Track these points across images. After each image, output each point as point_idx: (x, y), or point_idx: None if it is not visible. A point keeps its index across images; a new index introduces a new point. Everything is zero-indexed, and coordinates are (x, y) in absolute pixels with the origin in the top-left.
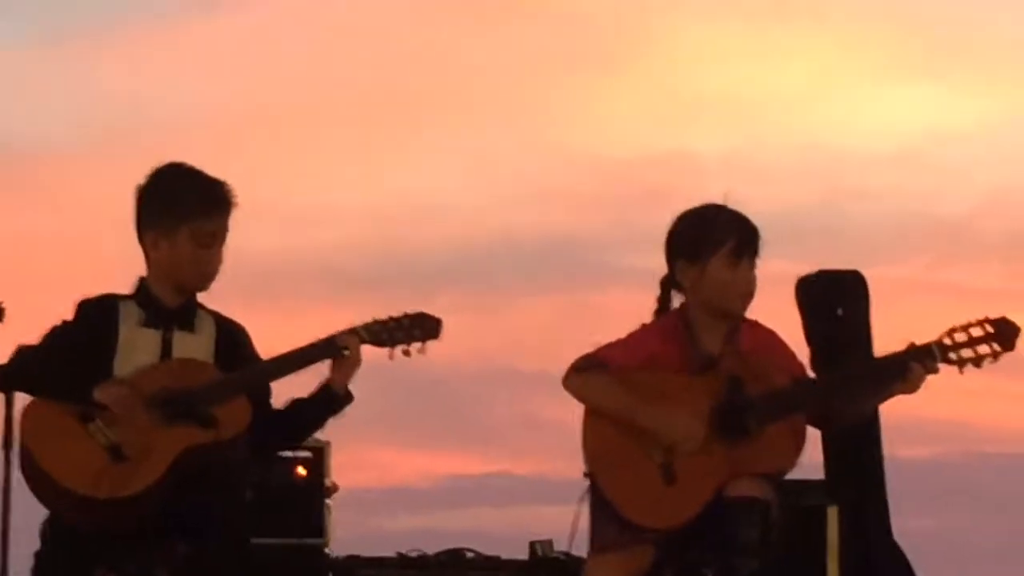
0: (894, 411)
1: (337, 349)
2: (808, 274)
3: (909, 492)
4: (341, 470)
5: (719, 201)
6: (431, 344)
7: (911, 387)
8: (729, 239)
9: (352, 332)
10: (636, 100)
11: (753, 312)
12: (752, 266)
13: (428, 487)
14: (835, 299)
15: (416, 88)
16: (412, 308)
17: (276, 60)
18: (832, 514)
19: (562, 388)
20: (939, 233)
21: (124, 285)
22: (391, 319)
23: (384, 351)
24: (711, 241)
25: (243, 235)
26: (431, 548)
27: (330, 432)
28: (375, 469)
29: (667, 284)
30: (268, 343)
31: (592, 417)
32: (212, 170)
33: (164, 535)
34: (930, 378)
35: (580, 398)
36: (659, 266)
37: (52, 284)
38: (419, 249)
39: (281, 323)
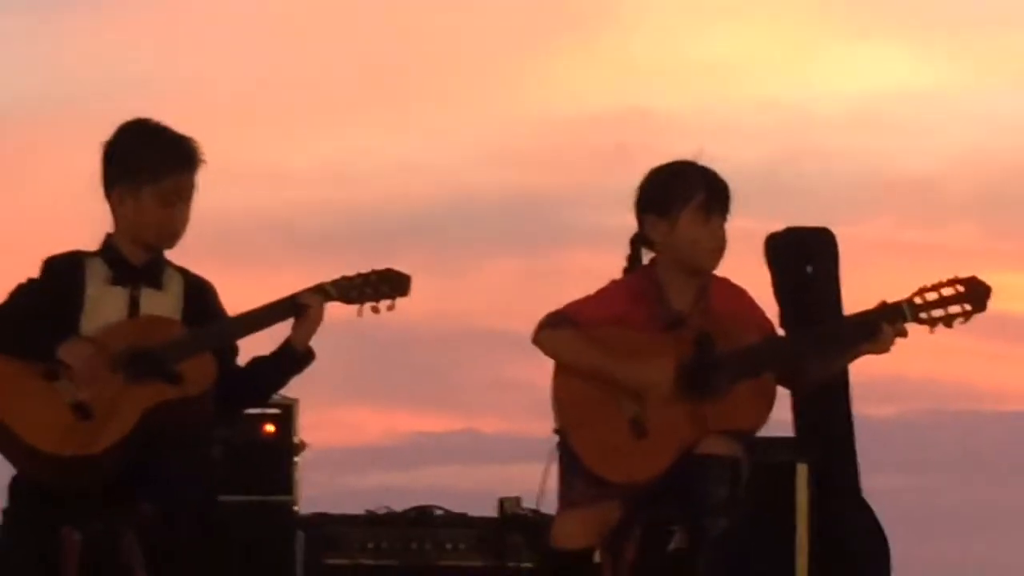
0: (863, 369)
1: (301, 307)
2: (777, 231)
3: (877, 450)
4: (310, 429)
5: (690, 157)
6: (400, 301)
7: (881, 347)
8: (699, 193)
9: (317, 290)
10: (595, 61)
11: (720, 270)
12: (723, 221)
13: (396, 445)
14: (804, 256)
15: (377, 52)
16: (380, 265)
17: (242, 23)
18: (801, 471)
19: (527, 346)
20: (906, 192)
21: (93, 244)
22: (359, 276)
23: (353, 309)
24: (682, 195)
25: (211, 193)
26: (400, 506)
27: (299, 390)
28: (344, 428)
29: (637, 241)
30: (235, 302)
31: (561, 373)
32: (179, 128)
33: (130, 494)
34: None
35: (550, 354)
36: (620, 225)
37: (22, 246)
38: (381, 210)
39: (248, 282)
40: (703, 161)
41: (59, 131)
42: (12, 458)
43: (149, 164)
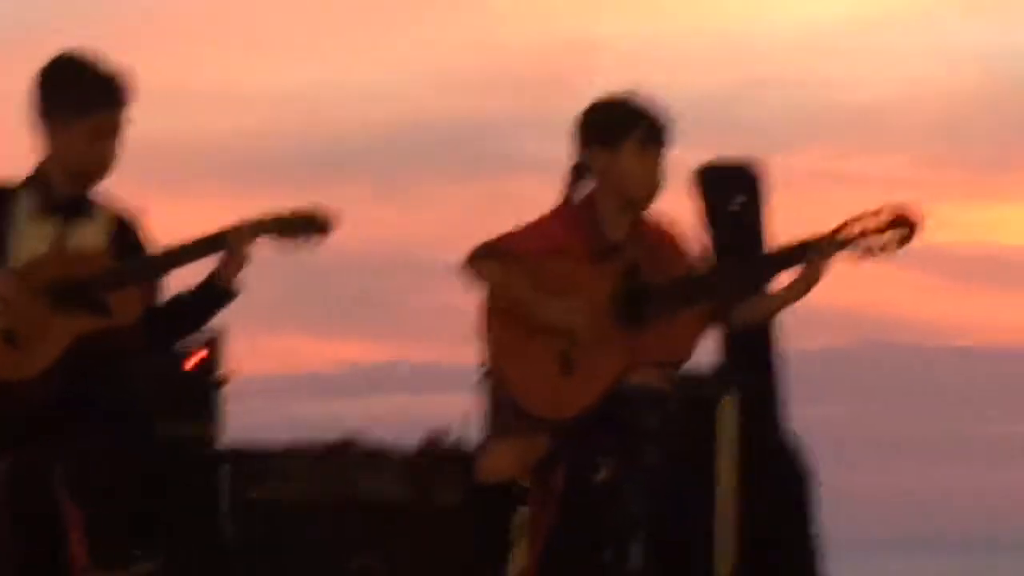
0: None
1: (226, 244)
2: (705, 163)
3: (805, 381)
4: (242, 356)
5: (633, 89)
6: (323, 240)
7: (809, 278)
8: (640, 126)
9: (242, 227)
10: None
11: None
12: (663, 155)
13: (329, 373)
14: (733, 187)
15: None
16: (305, 203)
17: None
18: (727, 404)
19: (457, 276)
20: (848, 122)
21: (21, 175)
22: (282, 214)
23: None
24: (623, 127)
25: (145, 120)
26: (329, 436)
27: (231, 319)
28: (277, 355)
29: (576, 171)
30: (177, 234)
31: (491, 304)
32: (115, 57)
33: (59, 424)
34: (832, 268)
35: (479, 285)
36: (564, 154)
37: None
38: (329, 136)
39: (183, 211)
40: (645, 94)
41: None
42: None
43: (79, 99)
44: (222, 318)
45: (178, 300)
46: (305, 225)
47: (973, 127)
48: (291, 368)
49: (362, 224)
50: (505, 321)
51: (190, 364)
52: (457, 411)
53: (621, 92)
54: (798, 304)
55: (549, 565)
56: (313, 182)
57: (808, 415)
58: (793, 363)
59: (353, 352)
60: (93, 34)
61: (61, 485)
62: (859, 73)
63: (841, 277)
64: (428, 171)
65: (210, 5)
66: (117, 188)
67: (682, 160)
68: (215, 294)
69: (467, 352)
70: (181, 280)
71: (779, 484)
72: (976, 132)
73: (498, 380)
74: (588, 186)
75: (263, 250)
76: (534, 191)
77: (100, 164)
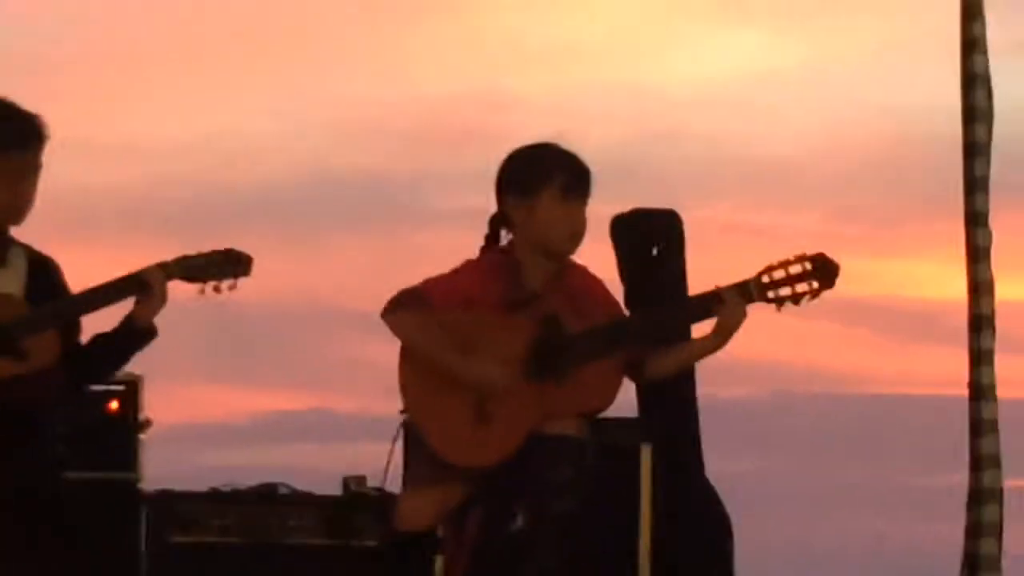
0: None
1: (143, 284)
2: (623, 212)
3: (723, 432)
4: (157, 407)
5: (552, 139)
6: (242, 281)
7: (729, 323)
8: (560, 175)
9: (159, 268)
10: (449, 42)
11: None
12: (583, 205)
13: (246, 424)
14: (650, 238)
15: (235, 25)
16: (222, 244)
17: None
18: (645, 453)
19: (381, 326)
20: (756, 175)
21: None
22: (200, 255)
23: (195, 288)
24: (542, 177)
25: (56, 170)
26: (248, 483)
27: (146, 368)
28: (191, 406)
29: (496, 221)
30: (80, 281)
31: (408, 354)
32: (25, 103)
33: None
34: (751, 319)
35: (396, 335)
36: (475, 206)
37: None
38: (234, 187)
39: (99, 260)
40: (565, 144)
41: None
42: None
43: None
44: (139, 366)
45: (97, 341)
46: (221, 265)
47: (883, 182)
48: (205, 418)
49: (269, 274)
50: (421, 370)
51: (111, 408)
52: (378, 460)
53: (539, 142)
54: (720, 354)
55: None
56: (219, 231)
57: (728, 467)
58: (713, 413)
59: (268, 402)
60: None
61: None
62: (766, 128)
63: (761, 328)
64: (333, 222)
65: (111, 56)
66: (25, 235)
67: (598, 210)
68: (134, 334)
69: (387, 400)
70: (97, 323)
71: (698, 531)
72: (886, 187)
73: (415, 429)
74: (507, 236)
75: (174, 298)
76: (445, 243)
77: (17, 206)
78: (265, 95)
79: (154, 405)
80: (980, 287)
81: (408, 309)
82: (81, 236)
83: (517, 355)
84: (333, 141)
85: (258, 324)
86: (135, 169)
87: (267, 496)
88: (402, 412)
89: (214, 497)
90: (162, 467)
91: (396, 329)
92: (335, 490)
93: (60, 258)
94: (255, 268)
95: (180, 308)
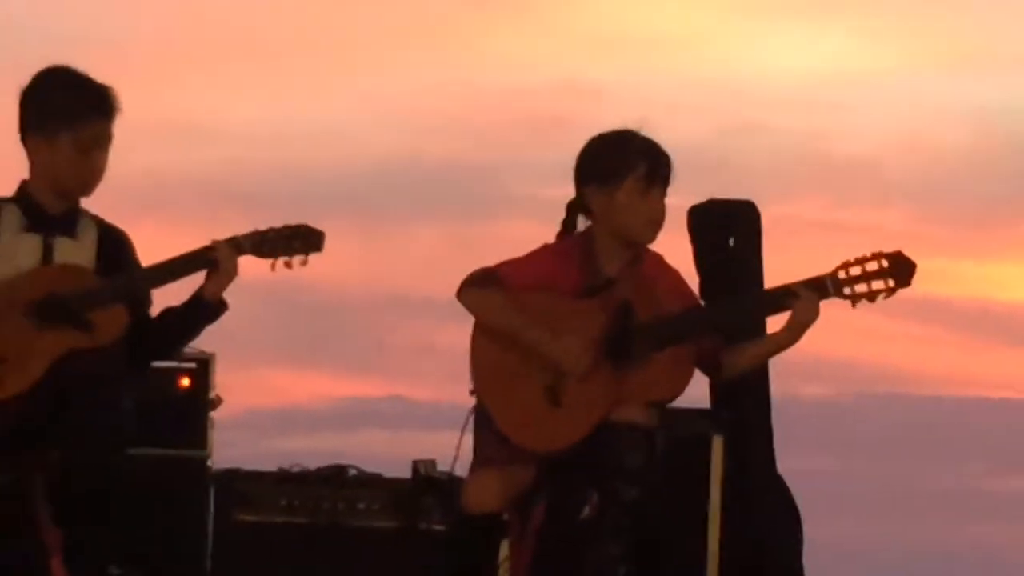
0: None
1: (213, 259)
2: (700, 203)
3: (799, 430)
4: (230, 389)
5: (633, 127)
6: (313, 257)
7: (803, 318)
8: (642, 163)
9: (230, 242)
10: (535, 31)
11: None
12: (662, 194)
13: (315, 408)
14: (726, 228)
15: (319, 17)
16: (294, 220)
17: None
18: (717, 444)
19: (456, 314)
20: (835, 173)
21: (8, 191)
22: (271, 229)
23: (266, 264)
24: (624, 164)
25: (133, 148)
26: (315, 465)
27: (223, 349)
28: (269, 390)
29: (574, 208)
30: (152, 255)
31: (481, 334)
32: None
33: (39, 441)
34: (829, 316)
35: (472, 311)
36: (552, 196)
37: None
38: (312, 174)
39: (166, 237)
40: (646, 132)
41: None
42: None
43: (65, 111)
44: (211, 344)
45: (169, 315)
46: (292, 240)
47: (965, 183)
48: (279, 403)
49: (346, 259)
50: (495, 350)
51: (182, 385)
52: (447, 446)
53: (621, 130)
54: (798, 351)
55: None
56: (299, 215)
57: (803, 464)
58: (790, 411)
59: (344, 388)
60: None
61: (39, 502)
62: (850, 126)
63: (839, 327)
64: (411, 209)
65: (198, 41)
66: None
67: (676, 202)
68: (204, 308)
69: (457, 389)
70: (168, 297)
71: (768, 523)
72: (967, 188)
73: (485, 408)
74: (585, 223)
75: (247, 280)
76: (522, 231)
77: (87, 177)
78: (347, 83)
79: (227, 387)
80: None
81: (483, 287)
82: (164, 217)
83: (590, 340)
84: (413, 130)
85: (334, 309)
86: (220, 152)
87: (335, 477)
88: (472, 393)
89: (281, 477)
90: (233, 449)
91: (471, 306)
92: (404, 473)
93: (142, 238)
94: (334, 253)
95: (257, 290)
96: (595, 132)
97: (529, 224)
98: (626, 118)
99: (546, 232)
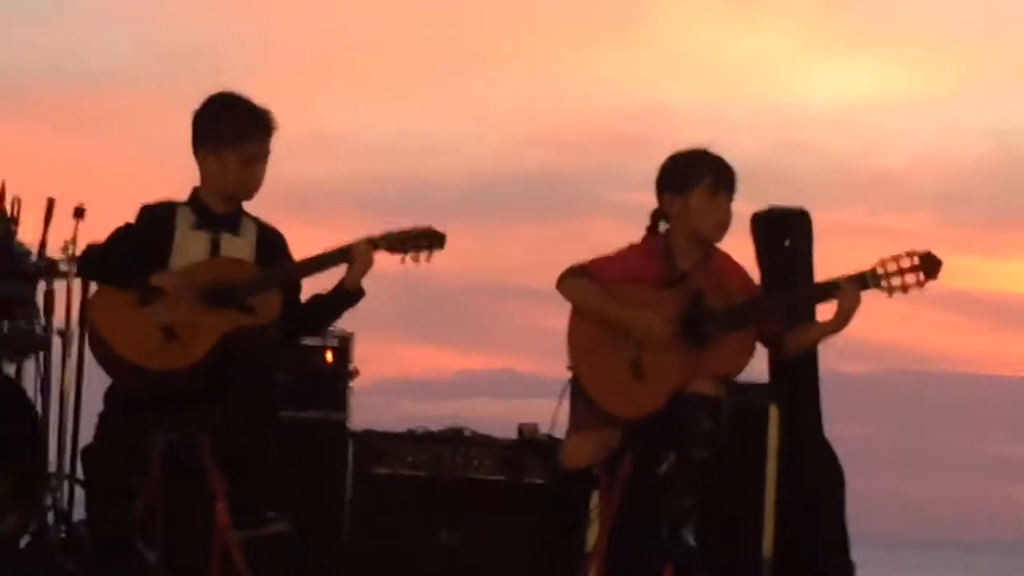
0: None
1: (353, 254)
2: (761, 210)
3: (845, 402)
4: (366, 361)
5: (704, 145)
6: (437, 254)
7: (848, 307)
8: (710, 175)
9: (367, 240)
10: (614, 59)
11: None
12: (728, 200)
13: (438, 379)
14: (783, 231)
15: (438, 42)
16: (421, 223)
17: (321, 10)
18: (773, 413)
19: (555, 301)
20: (877, 184)
21: (182, 195)
22: (403, 231)
23: (397, 259)
24: (695, 175)
25: (285, 158)
26: (437, 427)
27: (360, 328)
28: (398, 363)
29: (656, 214)
30: (300, 250)
31: (576, 317)
32: (259, 100)
33: (206, 404)
34: (869, 306)
35: (568, 298)
36: (636, 202)
37: (127, 195)
38: (430, 182)
39: (312, 234)
40: (714, 149)
41: (149, 96)
42: (109, 370)
43: (231, 131)
44: (350, 325)
45: (315, 300)
46: (419, 239)
47: (986, 193)
48: (405, 373)
49: (464, 255)
50: (587, 331)
51: (327, 359)
52: (547, 412)
53: (693, 147)
54: (845, 334)
55: (617, 543)
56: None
57: (849, 431)
58: (832, 386)
59: (458, 361)
60: (226, 83)
61: (207, 456)
62: (887, 143)
63: (881, 316)
64: (518, 213)
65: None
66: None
67: (741, 209)
68: (345, 294)
69: (556, 364)
70: (315, 285)
71: (817, 480)
72: (989, 197)
73: (579, 381)
74: (665, 226)
75: (382, 270)
76: (611, 233)
77: (249, 186)
78: (461, 101)
79: (364, 361)
80: None
81: (578, 278)
82: (309, 218)
83: (668, 322)
84: (516, 144)
85: (453, 297)
86: (351, 162)
87: (453, 437)
88: (569, 368)
89: (409, 437)
90: (368, 413)
91: (567, 293)
92: (511, 435)
93: (290, 234)
94: (453, 250)
95: (391, 280)
96: (672, 149)
97: (617, 226)
98: (698, 137)
99: (631, 233)
